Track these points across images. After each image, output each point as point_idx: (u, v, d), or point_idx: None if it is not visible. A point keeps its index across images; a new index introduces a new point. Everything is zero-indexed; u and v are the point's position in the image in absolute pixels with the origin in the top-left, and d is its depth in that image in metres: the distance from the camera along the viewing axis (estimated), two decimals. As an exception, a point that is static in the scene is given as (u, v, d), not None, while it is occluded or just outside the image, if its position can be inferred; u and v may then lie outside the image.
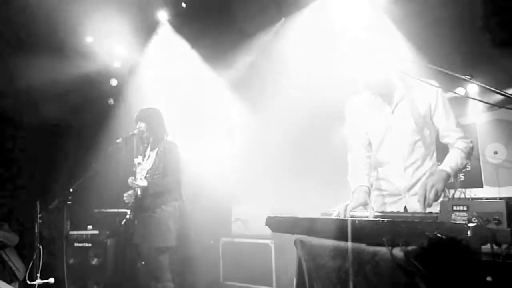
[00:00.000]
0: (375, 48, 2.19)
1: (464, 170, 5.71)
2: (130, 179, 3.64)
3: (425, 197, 2.01)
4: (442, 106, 2.31)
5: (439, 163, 2.42)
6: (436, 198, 2.02)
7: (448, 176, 2.14)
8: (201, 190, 6.09)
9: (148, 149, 3.91)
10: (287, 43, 5.90)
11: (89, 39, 6.06)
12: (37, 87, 5.30)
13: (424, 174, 2.33)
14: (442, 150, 2.42)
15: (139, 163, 3.69)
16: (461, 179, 5.70)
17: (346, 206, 1.96)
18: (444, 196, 2.31)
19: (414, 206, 2.26)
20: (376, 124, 2.40)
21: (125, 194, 3.80)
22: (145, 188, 3.63)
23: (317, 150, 6.04)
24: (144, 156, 3.90)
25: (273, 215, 1.92)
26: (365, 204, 2.00)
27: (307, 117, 6.28)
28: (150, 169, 3.68)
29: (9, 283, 4.43)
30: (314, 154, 6.03)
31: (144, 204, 3.70)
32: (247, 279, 5.15)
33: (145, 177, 3.64)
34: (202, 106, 6.61)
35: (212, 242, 5.59)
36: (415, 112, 2.31)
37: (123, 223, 3.80)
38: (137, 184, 3.60)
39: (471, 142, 2.33)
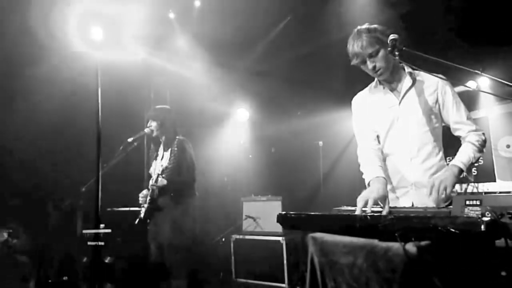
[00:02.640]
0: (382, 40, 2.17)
1: (477, 164, 5.66)
2: (150, 183, 3.66)
3: (431, 192, 2.00)
4: (452, 99, 2.29)
5: (448, 158, 2.41)
6: (445, 196, 2.01)
7: (461, 171, 2.12)
8: (211, 188, 6.12)
9: (161, 149, 3.92)
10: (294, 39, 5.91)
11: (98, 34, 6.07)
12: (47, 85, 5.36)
13: (432, 167, 2.30)
14: (450, 146, 2.41)
15: (161, 166, 3.69)
16: (474, 173, 5.65)
17: (367, 200, 1.90)
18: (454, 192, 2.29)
19: (422, 200, 2.23)
20: (383, 116, 2.39)
21: (140, 195, 3.82)
22: (165, 187, 3.64)
23: (327, 146, 6.03)
24: (157, 155, 3.92)
25: (284, 212, 1.92)
26: (385, 197, 1.97)
27: (315, 113, 6.29)
28: (165, 169, 3.68)
29: None
30: (324, 151, 6.03)
31: (159, 202, 3.72)
32: (259, 276, 5.17)
33: (162, 177, 3.65)
34: (209, 103, 6.63)
35: (223, 239, 5.61)
36: (423, 104, 2.29)
37: (136, 222, 3.82)
38: (157, 186, 3.62)
39: (483, 134, 2.30)
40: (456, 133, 2.35)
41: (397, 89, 2.36)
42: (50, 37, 5.11)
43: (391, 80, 2.35)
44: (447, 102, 2.29)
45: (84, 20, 5.62)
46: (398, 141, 2.35)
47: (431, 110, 2.29)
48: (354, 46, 2.20)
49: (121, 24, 5.77)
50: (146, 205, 3.75)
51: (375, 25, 2.23)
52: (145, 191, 3.81)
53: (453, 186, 2.06)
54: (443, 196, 2.01)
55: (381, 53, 2.18)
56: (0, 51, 4.83)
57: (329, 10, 5.33)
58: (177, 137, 3.86)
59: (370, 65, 2.22)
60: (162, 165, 3.67)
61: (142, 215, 3.79)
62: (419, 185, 2.28)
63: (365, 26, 2.23)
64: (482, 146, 2.26)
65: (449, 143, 2.42)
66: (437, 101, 2.30)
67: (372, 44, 2.16)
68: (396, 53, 2.06)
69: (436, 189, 1.99)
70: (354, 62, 2.25)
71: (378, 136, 2.44)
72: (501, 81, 1.81)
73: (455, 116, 2.30)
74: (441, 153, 2.35)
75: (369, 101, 2.46)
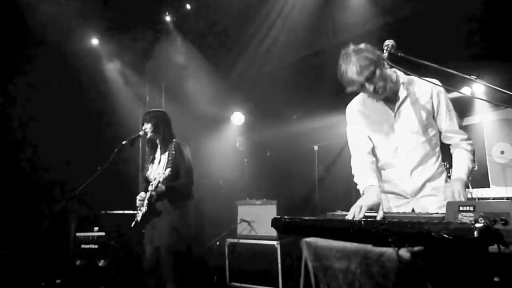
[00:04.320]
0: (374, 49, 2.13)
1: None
2: (150, 188, 3.63)
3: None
4: (445, 107, 2.27)
5: (444, 163, 2.42)
6: None
7: (466, 184, 2.13)
8: (206, 191, 6.11)
9: (158, 152, 3.90)
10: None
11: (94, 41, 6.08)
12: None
13: (433, 176, 2.29)
14: (446, 151, 2.41)
15: (158, 174, 3.64)
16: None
17: (361, 206, 1.90)
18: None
19: (423, 207, 2.24)
20: (379, 128, 2.36)
21: (138, 197, 3.78)
22: (163, 192, 3.62)
23: (322, 151, 6.04)
24: (154, 159, 3.89)
25: (279, 217, 1.92)
26: (379, 204, 1.96)
27: (310, 117, 6.30)
28: (163, 173, 3.64)
29: None
30: (319, 155, 6.03)
31: (157, 206, 3.70)
32: (253, 280, 5.15)
33: (160, 182, 3.60)
34: (205, 107, 6.64)
35: (218, 243, 5.60)
36: (419, 114, 2.27)
37: (132, 225, 3.80)
38: (156, 192, 3.59)
39: (473, 144, 2.31)
40: (446, 141, 2.35)
41: (392, 100, 2.31)
42: (42, 42, 5.11)
43: (387, 92, 2.27)
44: (441, 110, 2.28)
45: (81, 25, 5.64)
46: (396, 154, 2.33)
47: (427, 119, 2.28)
48: (348, 73, 2.11)
49: (118, 29, 5.78)
50: (143, 209, 3.72)
51: (361, 45, 2.15)
52: (142, 194, 3.78)
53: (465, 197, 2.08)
54: None
55: (377, 72, 2.11)
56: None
57: (324, 15, 5.35)
58: (174, 140, 3.85)
59: (370, 88, 2.15)
60: (159, 173, 3.63)
61: (139, 218, 3.77)
62: (419, 195, 2.29)
63: (351, 47, 2.14)
64: (474, 155, 2.28)
65: (445, 148, 2.42)
66: (432, 108, 2.29)
67: (366, 67, 2.08)
68: (387, 65, 2.05)
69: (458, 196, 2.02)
70: (351, 89, 2.17)
71: (373, 147, 2.42)
72: (496, 88, 1.82)
73: (448, 125, 2.29)
74: (439, 160, 2.34)
75: (364, 111, 2.42)
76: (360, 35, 5.05)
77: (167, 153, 3.78)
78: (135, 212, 3.90)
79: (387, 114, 2.33)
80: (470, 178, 2.20)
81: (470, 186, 2.32)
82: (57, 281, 4.91)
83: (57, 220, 5.11)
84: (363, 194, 2.16)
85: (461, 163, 2.22)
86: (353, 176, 2.36)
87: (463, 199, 2.02)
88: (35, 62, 5.24)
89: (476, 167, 2.27)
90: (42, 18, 5.01)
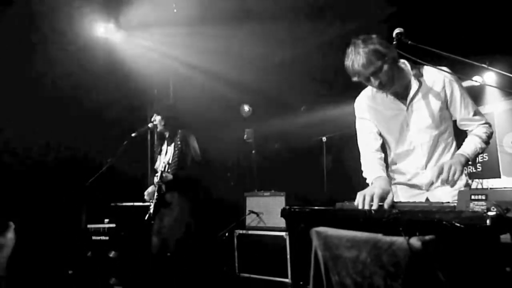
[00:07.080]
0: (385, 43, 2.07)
1: (482, 160, 5.64)
2: (155, 180, 3.65)
3: (439, 174, 1.96)
4: (460, 96, 2.21)
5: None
6: (453, 181, 1.95)
7: (467, 160, 2.09)
8: (215, 183, 6.12)
9: (165, 144, 3.92)
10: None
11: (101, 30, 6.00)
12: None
13: None
14: (460, 142, 2.37)
15: (163, 163, 3.66)
16: (479, 170, 5.63)
17: (372, 194, 1.85)
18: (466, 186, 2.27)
19: (436, 197, 2.22)
20: (391, 123, 2.32)
21: (145, 192, 3.82)
22: (171, 182, 3.63)
23: (330, 142, 6.02)
24: (161, 150, 3.92)
25: (288, 207, 1.92)
26: (388, 191, 1.92)
27: (319, 108, 6.27)
28: (170, 163, 3.66)
29: None
30: (328, 146, 6.01)
31: (167, 198, 3.72)
32: (262, 271, 5.18)
33: (167, 172, 3.62)
34: (212, 98, 6.63)
35: (226, 234, 5.62)
36: (431, 105, 2.22)
37: (146, 218, 3.82)
38: (163, 182, 3.61)
39: (490, 126, 2.27)
40: (463, 128, 2.31)
41: (403, 93, 2.26)
42: (51, 30, 5.10)
43: (396, 87, 2.23)
44: (455, 99, 2.22)
45: (89, 15, 5.63)
46: (409, 148, 2.31)
47: (440, 110, 2.23)
48: (354, 64, 2.03)
49: (125, 21, 5.76)
50: (154, 200, 3.75)
51: (372, 36, 2.07)
52: (150, 189, 3.82)
53: (461, 172, 2.01)
54: (453, 178, 1.94)
55: (385, 68, 2.05)
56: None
57: (331, 4, 5.29)
58: (180, 130, 3.86)
59: (375, 82, 2.10)
60: (164, 162, 3.66)
61: (151, 210, 3.79)
62: (434, 186, 2.26)
63: (362, 37, 2.06)
64: (489, 137, 2.23)
65: (458, 133, 2.38)
66: (445, 97, 2.23)
67: (373, 62, 2.01)
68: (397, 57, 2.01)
69: (446, 171, 1.94)
70: (356, 79, 2.10)
71: (384, 143, 2.39)
72: (509, 75, 1.79)
73: (463, 114, 2.24)
74: (453, 147, 2.31)
75: (373, 106, 2.38)
76: (369, 24, 4.99)
77: (173, 144, 3.81)
78: (145, 204, 3.94)
79: (398, 108, 2.29)
80: (479, 164, 2.18)
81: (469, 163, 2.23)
82: (69, 272, 4.98)
83: (68, 211, 5.15)
84: (371, 184, 2.15)
85: (468, 143, 2.18)
86: (362, 171, 2.34)
87: (457, 173, 1.95)
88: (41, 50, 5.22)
89: (487, 158, 2.24)
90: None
